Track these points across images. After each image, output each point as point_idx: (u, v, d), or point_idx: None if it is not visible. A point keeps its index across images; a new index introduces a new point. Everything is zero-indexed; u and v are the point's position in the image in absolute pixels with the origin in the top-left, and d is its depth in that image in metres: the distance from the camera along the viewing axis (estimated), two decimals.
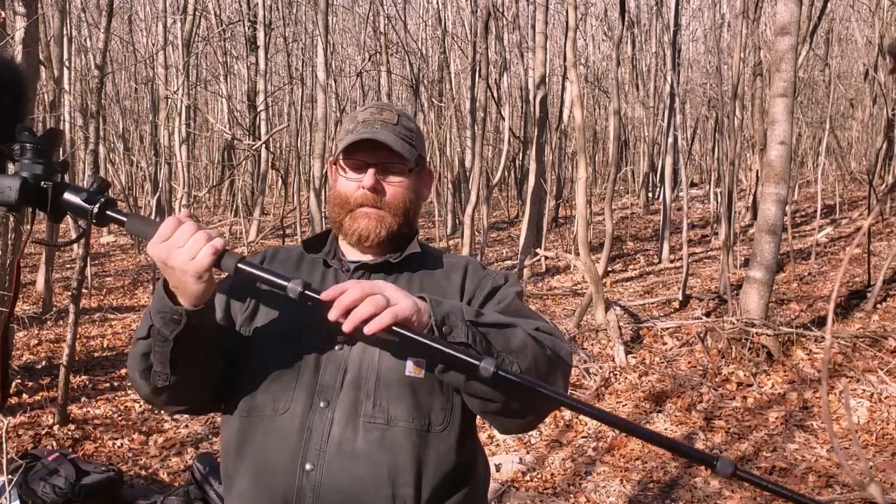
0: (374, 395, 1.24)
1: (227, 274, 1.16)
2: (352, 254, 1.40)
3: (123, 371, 6.22)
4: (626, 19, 11.85)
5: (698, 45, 23.54)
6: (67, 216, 1.19)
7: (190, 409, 1.33)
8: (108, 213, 1.15)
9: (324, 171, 10.80)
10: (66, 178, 1.23)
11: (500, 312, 1.25)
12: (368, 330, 1.04)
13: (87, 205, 1.14)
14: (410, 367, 1.25)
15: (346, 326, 1.05)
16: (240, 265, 1.10)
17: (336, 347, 1.27)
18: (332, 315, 1.06)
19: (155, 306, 1.16)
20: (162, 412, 5.03)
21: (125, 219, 1.16)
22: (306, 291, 1.08)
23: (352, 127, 1.37)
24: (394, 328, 1.05)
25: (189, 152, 13.02)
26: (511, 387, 1.09)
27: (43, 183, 1.13)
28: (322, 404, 1.23)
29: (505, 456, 4.34)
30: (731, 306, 6.55)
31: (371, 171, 1.33)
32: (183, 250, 1.08)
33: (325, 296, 1.07)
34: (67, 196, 1.14)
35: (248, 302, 1.34)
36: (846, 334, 5.72)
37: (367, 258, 1.38)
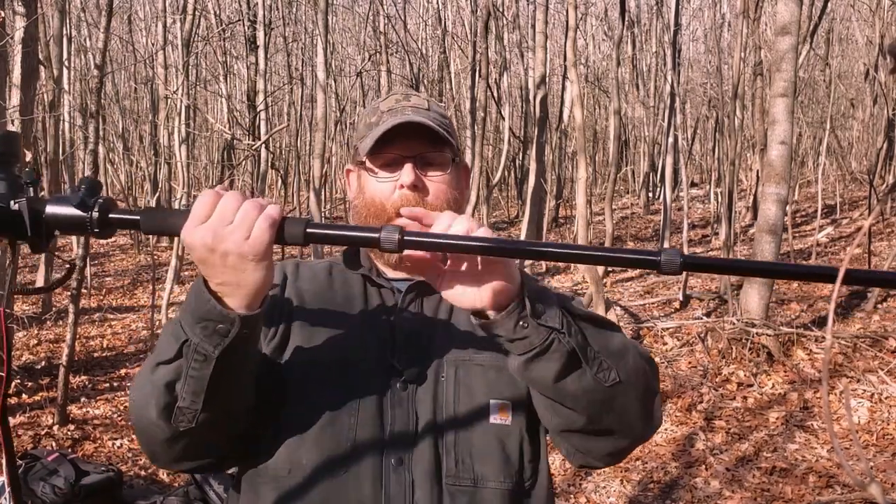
0: (454, 449, 1.02)
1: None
2: (391, 272, 1.16)
3: (123, 371, 6.22)
4: (627, 19, 11.84)
5: (698, 44, 23.54)
6: (56, 237, 0.91)
7: (209, 465, 1.03)
8: (112, 216, 0.87)
9: (323, 171, 10.78)
10: (43, 192, 0.94)
11: None
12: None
13: (80, 212, 0.86)
14: (496, 412, 1.04)
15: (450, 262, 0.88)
16: (309, 230, 0.86)
17: (398, 385, 1.03)
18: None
19: (194, 313, 0.87)
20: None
21: (137, 217, 0.88)
22: (406, 237, 0.85)
23: (374, 119, 1.13)
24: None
25: (189, 152, 13.03)
26: (620, 388, 0.92)
27: (12, 202, 0.87)
28: (394, 461, 1.00)
29: None
30: (731, 306, 6.54)
31: (408, 165, 1.09)
32: (233, 228, 0.83)
33: (436, 227, 0.88)
34: (52, 210, 0.87)
35: (277, 324, 1.07)
36: (847, 334, 5.71)
37: (413, 275, 1.13)
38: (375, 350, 1.06)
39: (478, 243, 0.84)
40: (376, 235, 0.84)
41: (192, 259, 0.86)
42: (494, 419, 1.04)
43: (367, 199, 1.12)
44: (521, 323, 0.88)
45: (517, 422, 1.05)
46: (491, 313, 0.90)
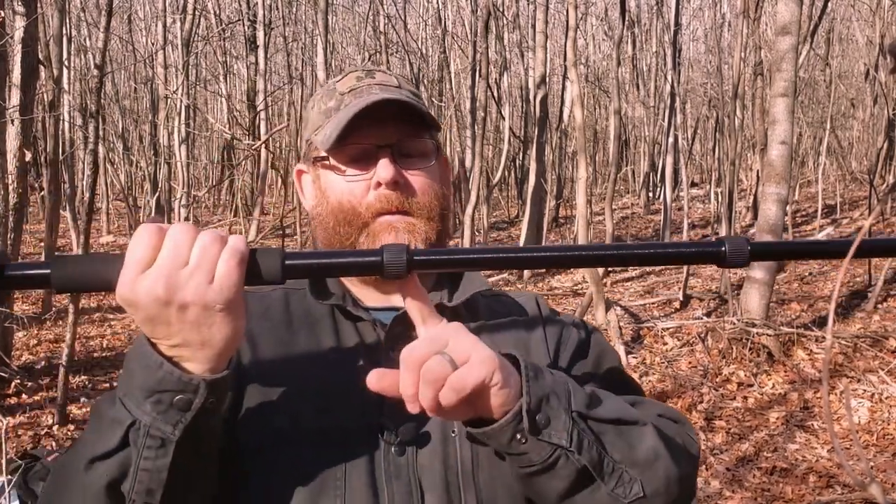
0: None
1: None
2: (370, 295, 0.91)
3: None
4: (627, 19, 11.85)
5: (699, 44, 23.54)
6: None
7: None
8: (8, 274, 0.64)
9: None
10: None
11: (598, 386, 0.84)
12: (436, 412, 0.67)
13: None
14: None
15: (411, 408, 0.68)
16: (288, 262, 0.67)
17: (393, 450, 0.81)
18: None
19: (142, 385, 0.67)
20: None
21: (47, 270, 0.65)
22: (416, 258, 0.68)
23: (333, 104, 0.90)
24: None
25: (189, 152, 13.03)
26: (645, 502, 0.76)
27: None
28: None
29: None
30: (731, 306, 6.54)
31: (385, 157, 0.86)
32: (191, 271, 0.63)
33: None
34: None
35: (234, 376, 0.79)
36: (847, 334, 5.71)
37: (397, 301, 0.83)
38: (358, 406, 0.81)
39: (503, 255, 0.70)
40: (377, 259, 0.67)
41: (135, 320, 0.66)
42: None
43: (333, 204, 0.88)
44: (517, 438, 0.70)
45: None
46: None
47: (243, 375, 0.83)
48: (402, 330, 0.84)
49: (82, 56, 15.70)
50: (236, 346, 0.69)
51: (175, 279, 0.63)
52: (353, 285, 0.92)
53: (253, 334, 0.86)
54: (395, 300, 0.87)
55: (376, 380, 0.69)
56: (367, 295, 0.91)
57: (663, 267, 9.46)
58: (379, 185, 0.86)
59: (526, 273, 9.98)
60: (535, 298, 0.99)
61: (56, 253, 8.79)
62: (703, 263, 0.70)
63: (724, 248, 0.68)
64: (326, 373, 0.85)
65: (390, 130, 0.87)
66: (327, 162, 0.89)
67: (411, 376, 0.67)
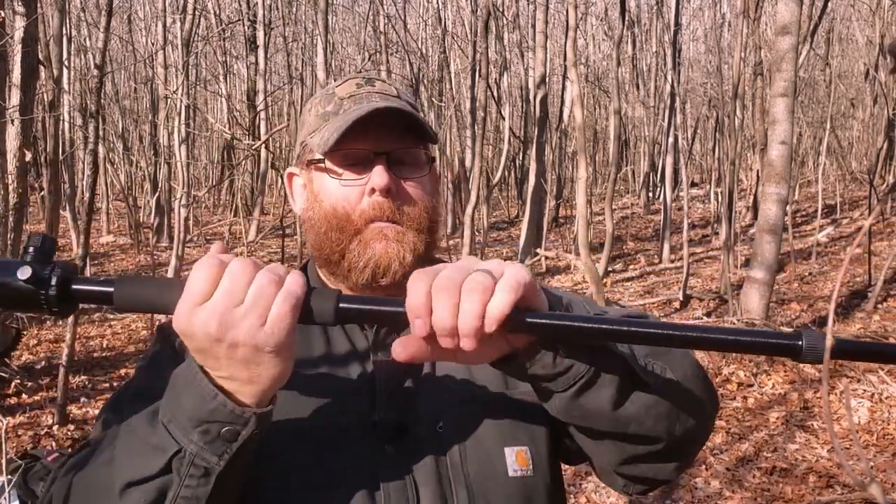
0: None
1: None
2: None
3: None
4: (627, 19, 11.85)
5: (699, 44, 23.55)
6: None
7: None
8: (75, 288, 0.67)
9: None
10: None
11: None
12: (491, 326, 0.62)
13: (29, 286, 0.65)
14: (514, 462, 0.84)
15: (466, 343, 0.62)
16: (343, 305, 0.67)
17: (386, 446, 0.82)
18: (419, 330, 0.63)
19: (191, 413, 0.67)
20: None
21: (111, 288, 0.67)
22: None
23: (331, 108, 0.91)
24: (528, 319, 0.65)
25: (189, 152, 13.02)
26: (680, 386, 0.78)
27: None
28: None
29: None
30: (731, 306, 6.54)
31: (380, 164, 0.87)
32: (245, 312, 0.64)
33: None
34: None
35: None
36: (847, 334, 5.71)
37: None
38: (352, 408, 0.84)
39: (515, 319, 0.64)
40: (399, 309, 0.66)
41: (188, 347, 0.67)
42: (514, 471, 0.84)
43: (326, 209, 0.89)
44: (560, 352, 0.71)
45: (540, 469, 0.85)
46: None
47: None
48: (389, 329, 0.89)
49: (82, 56, 15.70)
50: (283, 384, 0.69)
51: (229, 318, 0.63)
52: (343, 286, 0.92)
53: None
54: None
55: (402, 348, 0.66)
56: None
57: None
58: (373, 191, 0.86)
59: None
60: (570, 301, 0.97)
61: (55, 252, 8.79)
62: (777, 356, 0.66)
63: (800, 343, 0.65)
64: (317, 375, 0.86)
65: (387, 138, 0.88)
66: (322, 165, 0.89)
67: (451, 299, 0.62)
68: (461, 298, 0.62)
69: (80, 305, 0.70)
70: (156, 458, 0.67)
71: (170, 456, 0.67)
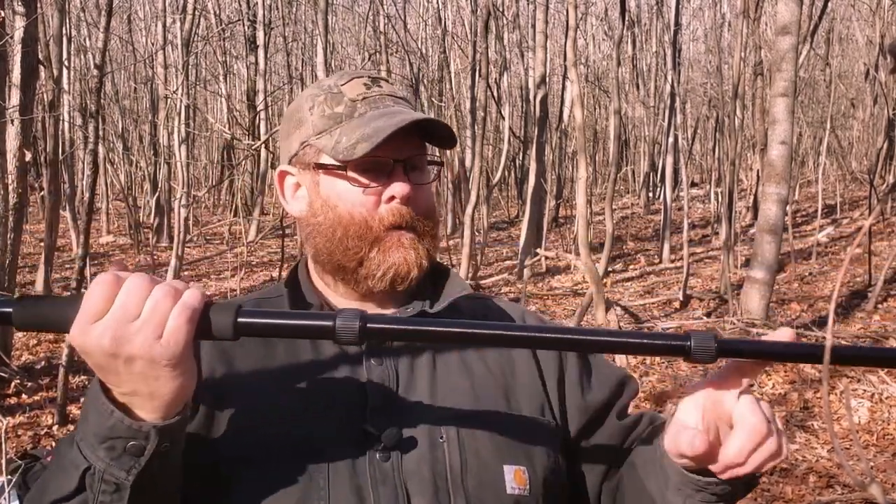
0: None
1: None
2: (348, 305, 0.91)
3: None
4: (627, 19, 11.85)
5: (699, 44, 23.55)
6: None
7: None
8: None
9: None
10: None
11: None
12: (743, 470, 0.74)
13: None
14: (511, 479, 0.83)
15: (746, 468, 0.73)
16: (241, 320, 0.68)
17: (377, 457, 0.80)
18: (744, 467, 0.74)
19: (95, 431, 0.68)
20: None
21: (9, 309, 0.68)
22: (369, 324, 0.70)
23: (342, 109, 0.88)
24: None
25: (188, 152, 13.03)
26: None
27: None
28: None
29: None
30: (731, 306, 6.54)
31: (400, 172, 0.87)
32: (140, 326, 0.64)
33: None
34: None
35: (195, 401, 0.77)
36: (847, 334, 5.71)
37: (383, 307, 0.92)
38: (341, 413, 0.82)
39: (457, 329, 0.74)
40: (329, 324, 0.68)
41: (88, 364, 0.67)
42: (512, 489, 0.82)
43: (341, 215, 0.87)
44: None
45: (535, 490, 0.84)
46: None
47: (216, 394, 0.82)
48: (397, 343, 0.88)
49: (82, 56, 15.70)
50: (186, 397, 0.69)
51: (123, 332, 0.64)
52: (330, 293, 0.93)
53: (230, 348, 0.84)
54: (373, 309, 0.90)
55: (701, 444, 0.72)
56: (344, 304, 0.91)
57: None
58: (391, 198, 0.87)
59: (526, 272, 9.98)
60: (523, 315, 0.99)
61: (56, 252, 8.80)
62: (668, 356, 0.70)
63: (689, 344, 0.70)
64: (307, 383, 0.85)
65: (403, 145, 0.87)
66: (341, 171, 0.87)
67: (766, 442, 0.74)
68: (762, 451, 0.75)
69: None
70: (71, 476, 0.69)
71: (81, 472, 0.68)
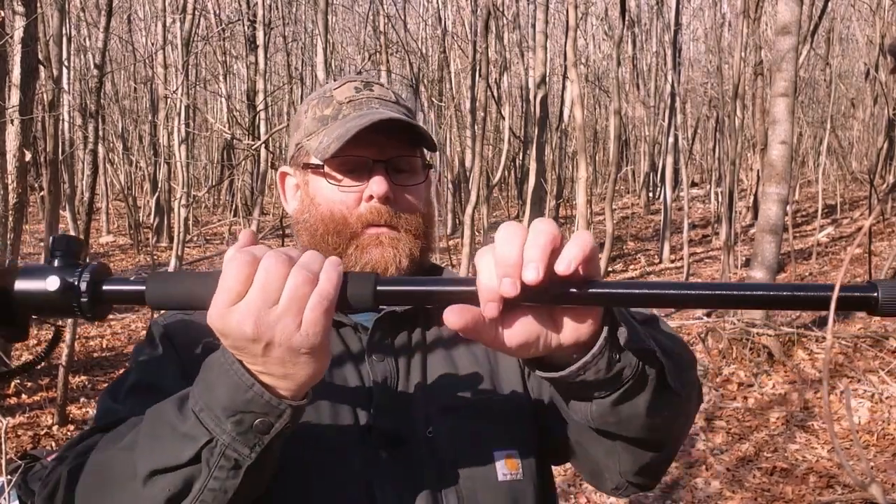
0: None
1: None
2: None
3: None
4: (627, 19, 11.85)
5: (699, 44, 23.53)
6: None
7: None
8: (106, 289, 0.65)
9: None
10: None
11: None
12: (561, 267, 0.63)
13: (59, 294, 0.63)
14: (503, 466, 0.85)
15: (529, 273, 0.61)
16: (380, 288, 0.65)
17: (384, 455, 0.83)
18: (489, 310, 0.61)
19: (226, 403, 0.65)
20: None
21: (142, 287, 0.65)
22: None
23: (330, 112, 0.93)
24: (591, 290, 0.63)
25: (188, 152, 13.02)
26: (689, 390, 0.76)
27: None
28: None
29: None
30: None
31: (379, 174, 0.89)
32: (280, 314, 0.61)
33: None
34: (22, 286, 0.64)
35: None
36: (847, 335, 5.71)
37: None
38: (346, 409, 0.84)
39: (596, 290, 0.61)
40: (472, 289, 0.62)
41: (223, 344, 0.65)
42: (504, 475, 0.84)
43: (323, 213, 0.90)
44: (614, 356, 0.67)
45: (528, 472, 0.86)
46: (570, 353, 0.67)
47: None
48: (382, 333, 0.89)
49: (82, 56, 15.71)
50: (318, 379, 0.67)
51: (264, 318, 0.61)
52: None
53: None
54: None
55: (458, 317, 0.62)
56: None
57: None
58: (371, 198, 0.89)
59: None
60: None
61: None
62: (848, 310, 0.60)
63: (875, 295, 0.60)
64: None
65: (386, 146, 0.90)
66: (321, 170, 0.91)
67: (517, 239, 0.63)
68: (528, 239, 0.62)
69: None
70: (185, 447, 0.65)
71: (200, 445, 0.65)
